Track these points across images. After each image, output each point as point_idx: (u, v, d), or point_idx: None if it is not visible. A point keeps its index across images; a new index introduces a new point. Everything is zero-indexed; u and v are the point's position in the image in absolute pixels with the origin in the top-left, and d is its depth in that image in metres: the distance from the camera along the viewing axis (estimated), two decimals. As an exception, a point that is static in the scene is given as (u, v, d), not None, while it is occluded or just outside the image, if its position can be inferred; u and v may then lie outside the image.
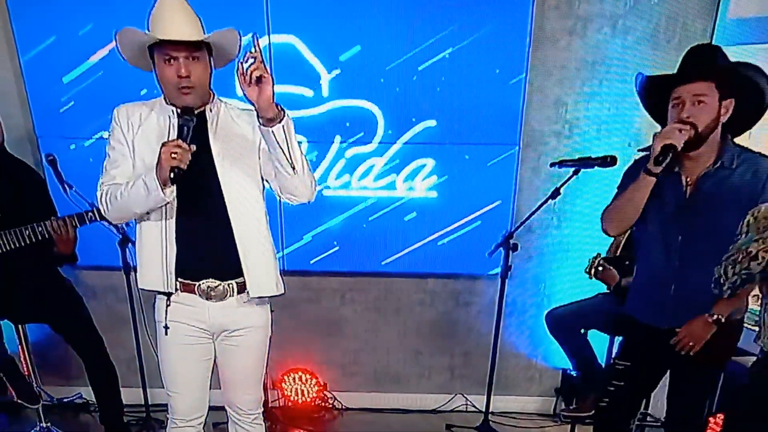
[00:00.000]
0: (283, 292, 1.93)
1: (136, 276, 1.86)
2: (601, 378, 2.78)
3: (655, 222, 1.96)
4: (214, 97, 1.82)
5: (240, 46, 1.76)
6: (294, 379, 3.26)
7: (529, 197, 2.94)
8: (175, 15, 1.62)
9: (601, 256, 2.76)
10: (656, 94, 1.91)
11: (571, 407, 3.10)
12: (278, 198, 1.86)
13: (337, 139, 2.89)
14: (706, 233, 1.86)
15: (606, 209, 2.03)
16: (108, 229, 2.50)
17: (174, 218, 1.77)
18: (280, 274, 1.93)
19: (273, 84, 1.58)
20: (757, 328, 1.71)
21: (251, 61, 1.55)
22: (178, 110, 1.71)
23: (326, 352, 3.32)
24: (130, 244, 2.64)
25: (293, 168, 1.71)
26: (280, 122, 1.63)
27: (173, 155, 1.60)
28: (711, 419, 2.41)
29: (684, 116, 1.78)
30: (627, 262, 2.63)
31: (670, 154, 1.76)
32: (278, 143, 1.65)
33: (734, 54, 1.87)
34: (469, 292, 3.22)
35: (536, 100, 2.87)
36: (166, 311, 1.85)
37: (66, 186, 2.50)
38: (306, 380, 3.26)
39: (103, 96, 2.67)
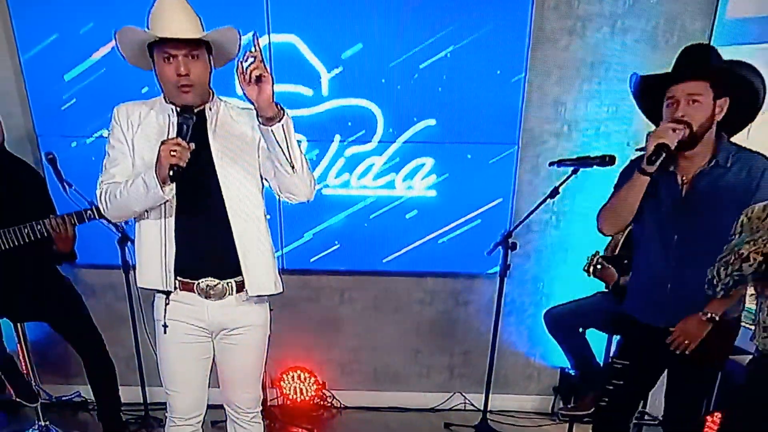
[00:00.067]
0: (281, 291, 1.93)
1: (135, 274, 1.86)
2: (599, 377, 2.79)
3: (651, 221, 1.97)
4: (213, 96, 1.82)
5: (240, 45, 1.76)
6: (293, 377, 3.26)
7: (528, 196, 2.94)
8: (174, 13, 1.63)
9: (600, 254, 2.77)
10: (651, 94, 1.90)
11: (569, 406, 3.11)
12: (277, 197, 1.85)
13: (337, 138, 2.89)
14: (702, 232, 1.86)
15: (601, 208, 2.03)
16: (107, 227, 2.51)
17: (173, 217, 1.77)
18: (279, 272, 1.93)
19: (273, 83, 1.58)
20: (753, 327, 1.72)
21: (251, 60, 1.55)
22: (178, 109, 1.71)
23: (325, 350, 3.33)
24: (129, 243, 2.65)
25: (292, 167, 1.71)
26: (279, 121, 1.63)
27: (172, 153, 1.60)
28: (708, 418, 2.41)
29: (678, 115, 1.78)
30: (625, 261, 2.63)
31: (663, 154, 1.75)
32: (278, 142, 1.65)
33: (732, 54, 1.87)
34: (468, 291, 3.23)
35: (536, 99, 2.87)
36: (165, 310, 1.85)
37: (65, 184, 2.50)
38: (305, 379, 3.26)
39: (104, 94, 2.67)
